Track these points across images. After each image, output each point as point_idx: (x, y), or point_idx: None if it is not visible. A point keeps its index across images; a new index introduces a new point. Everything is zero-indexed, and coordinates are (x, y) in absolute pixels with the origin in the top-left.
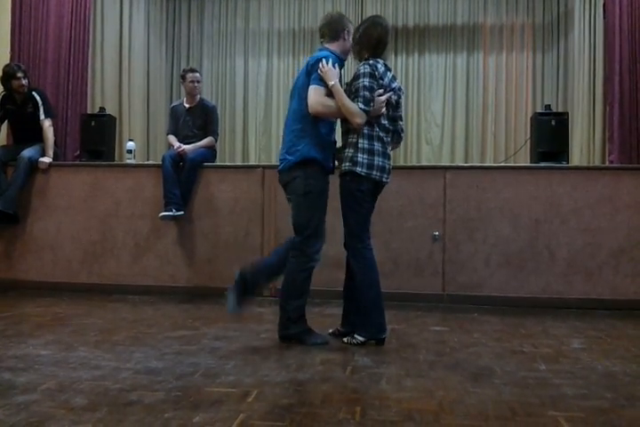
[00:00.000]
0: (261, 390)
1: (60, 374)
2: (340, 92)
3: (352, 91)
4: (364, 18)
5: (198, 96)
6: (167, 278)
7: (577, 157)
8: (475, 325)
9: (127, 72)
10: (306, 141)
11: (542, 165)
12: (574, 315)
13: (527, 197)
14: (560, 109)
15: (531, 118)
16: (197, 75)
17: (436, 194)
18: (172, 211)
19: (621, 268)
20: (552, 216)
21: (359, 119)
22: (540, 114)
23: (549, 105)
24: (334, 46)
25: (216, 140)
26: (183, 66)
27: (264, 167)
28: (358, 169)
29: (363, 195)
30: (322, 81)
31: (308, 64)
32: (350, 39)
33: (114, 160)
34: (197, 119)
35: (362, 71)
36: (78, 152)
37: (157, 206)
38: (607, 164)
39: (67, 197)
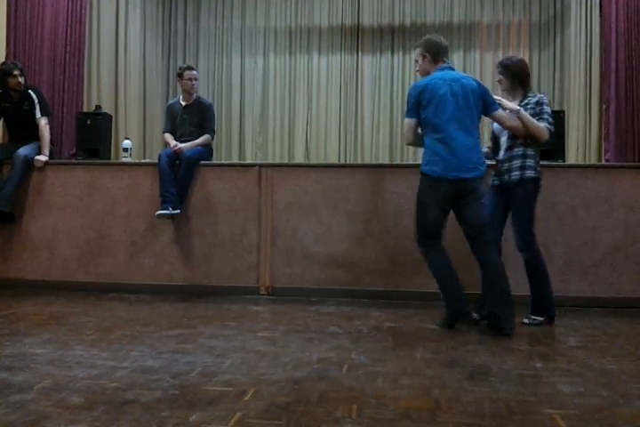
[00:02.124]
0: (258, 389)
1: (56, 372)
2: (527, 115)
3: (537, 113)
4: (360, 15)
5: (195, 94)
6: (163, 277)
7: (573, 155)
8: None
9: (123, 70)
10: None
11: None
12: (570, 313)
13: None
14: (556, 108)
15: None
16: (195, 72)
17: None
18: (168, 209)
19: (617, 266)
20: (548, 214)
21: (548, 135)
22: None
23: None
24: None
25: (212, 138)
26: (179, 63)
27: (260, 166)
28: (540, 176)
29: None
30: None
31: (479, 88)
32: None
33: (110, 159)
34: (194, 117)
35: (545, 101)
36: (74, 150)
37: (154, 205)
38: (603, 162)
39: (63, 195)
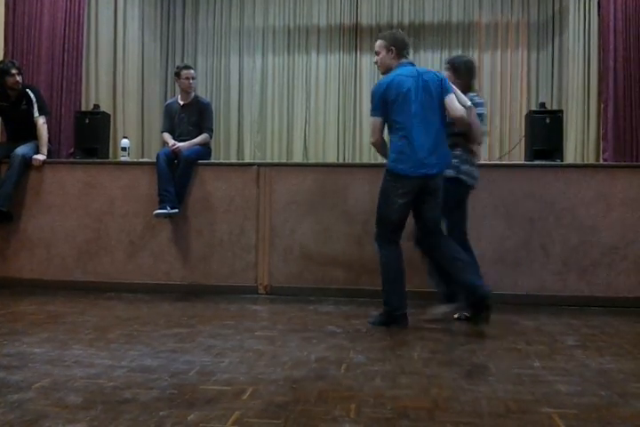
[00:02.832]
0: (256, 388)
1: (54, 372)
2: (475, 115)
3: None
4: (359, 14)
5: (193, 93)
6: (162, 276)
7: (571, 154)
8: (469, 322)
9: (121, 69)
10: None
11: (537, 162)
12: (568, 312)
13: (521, 195)
14: (554, 107)
15: (525, 116)
16: (192, 71)
17: None
18: (166, 208)
19: (615, 265)
20: (546, 214)
21: (482, 138)
22: (535, 112)
23: (544, 103)
24: None
25: (211, 137)
26: (178, 63)
27: (259, 165)
28: (463, 178)
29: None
30: None
31: (440, 80)
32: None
33: (108, 158)
34: (192, 116)
35: (478, 101)
36: (72, 150)
37: (152, 204)
38: (601, 161)
39: (61, 194)
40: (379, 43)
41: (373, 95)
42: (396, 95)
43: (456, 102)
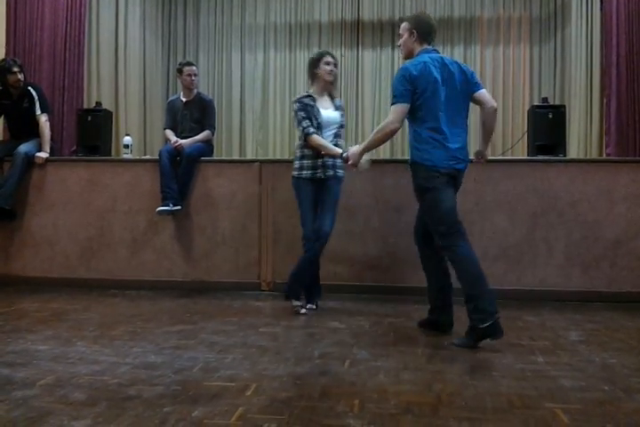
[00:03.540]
0: (260, 384)
1: (58, 369)
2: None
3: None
4: (360, 10)
5: (195, 90)
6: (164, 273)
7: (574, 149)
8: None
9: (123, 67)
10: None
11: (539, 158)
12: (571, 307)
13: (524, 191)
14: (557, 102)
15: (528, 111)
16: (194, 68)
17: None
18: (169, 206)
19: (619, 260)
20: (549, 209)
21: None
22: (537, 107)
23: (546, 98)
24: None
25: (213, 134)
26: (179, 60)
27: (261, 162)
28: None
29: None
30: None
31: (466, 73)
32: None
33: (110, 155)
34: (195, 113)
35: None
36: (75, 147)
37: (154, 201)
38: (604, 156)
39: (64, 192)
40: (402, 25)
41: (401, 80)
42: (426, 85)
43: (488, 95)
